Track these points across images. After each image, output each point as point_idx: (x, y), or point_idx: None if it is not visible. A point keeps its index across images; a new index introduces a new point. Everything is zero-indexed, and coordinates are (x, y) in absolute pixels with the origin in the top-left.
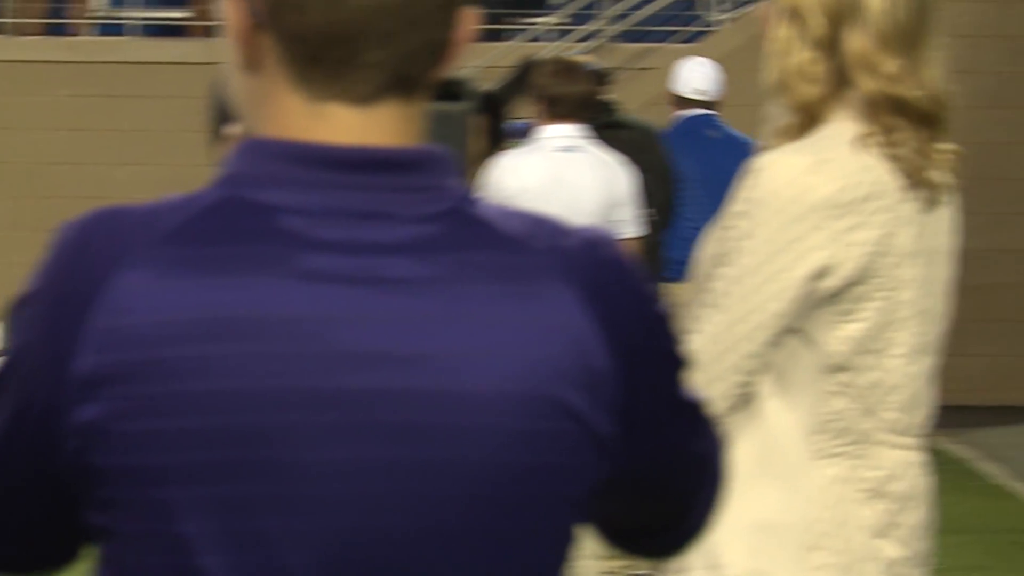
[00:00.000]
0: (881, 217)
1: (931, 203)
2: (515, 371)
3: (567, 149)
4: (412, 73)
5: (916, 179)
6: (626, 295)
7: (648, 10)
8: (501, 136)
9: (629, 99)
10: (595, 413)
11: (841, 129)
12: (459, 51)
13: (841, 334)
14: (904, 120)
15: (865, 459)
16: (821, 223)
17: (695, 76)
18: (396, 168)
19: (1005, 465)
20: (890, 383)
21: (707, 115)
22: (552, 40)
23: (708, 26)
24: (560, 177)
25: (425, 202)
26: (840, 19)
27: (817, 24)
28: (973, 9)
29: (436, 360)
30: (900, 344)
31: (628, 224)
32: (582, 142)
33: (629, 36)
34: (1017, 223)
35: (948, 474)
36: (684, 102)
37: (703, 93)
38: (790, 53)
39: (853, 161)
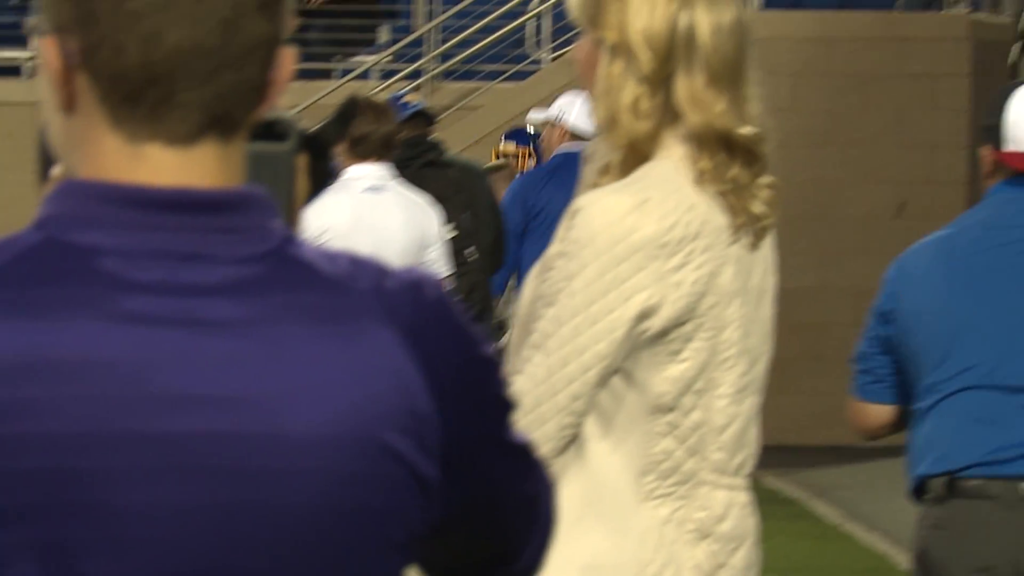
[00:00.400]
0: (705, 256)
1: (755, 241)
2: (336, 413)
3: (373, 189)
4: (230, 113)
5: (741, 216)
6: (449, 337)
7: (474, 49)
8: (327, 176)
9: (455, 138)
10: (418, 455)
11: (664, 167)
12: (279, 91)
13: (666, 374)
14: (729, 156)
15: (692, 500)
16: (645, 263)
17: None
18: (215, 209)
19: (837, 505)
20: (715, 423)
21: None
22: (379, 79)
23: (534, 65)
24: (365, 218)
25: (245, 243)
26: (670, 55)
27: (647, 60)
28: (798, 47)
29: (256, 402)
30: (725, 384)
31: (438, 264)
32: (389, 182)
33: (455, 75)
34: (846, 261)
35: (780, 514)
36: (573, 137)
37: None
38: (620, 89)
39: (677, 200)
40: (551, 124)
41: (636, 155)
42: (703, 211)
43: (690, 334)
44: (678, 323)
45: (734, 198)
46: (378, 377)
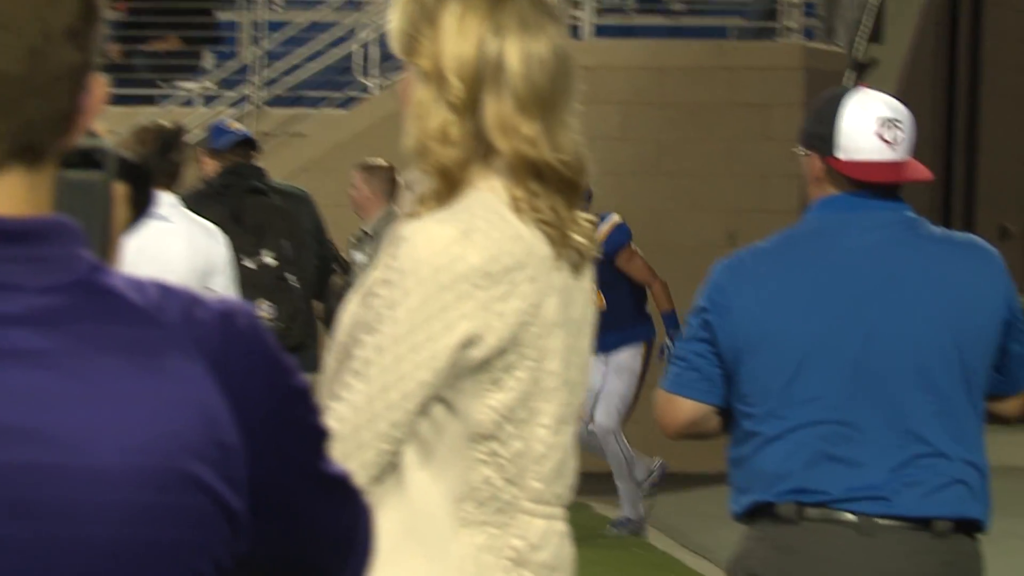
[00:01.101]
0: (530, 287)
1: (576, 272)
2: (139, 445)
3: (157, 218)
4: (37, 142)
5: (562, 246)
6: (258, 368)
7: (300, 75)
8: (147, 205)
9: (280, 165)
10: (225, 488)
11: (487, 196)
12: (89, 119)
13: (488, 403)
14: (544, 185)
15: (510, 528)
16: (470, 292)
17: None
18: (20, 238)
19: (667, 533)
20: (536, 453)
21: None
22: (203, 104)
23: (362, 92)
24: (145, 247)
25: (50, 273)
26: (479, 81)
27: (455, 86)
28: (630, 76)
29: (57, 435)
30: (546, 414)
31: (226, 292)
32: (173, 210)
33: (281, 101)
34: (678, 291)
35: (611, 542)
36: None
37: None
38: (429, 116)
39: (502, 229)
40: None
41: (449, 183)
42: (528, 241)
43: (513, 364)
44: (501, 353)
45: (553, 228)
46: (183, 409)
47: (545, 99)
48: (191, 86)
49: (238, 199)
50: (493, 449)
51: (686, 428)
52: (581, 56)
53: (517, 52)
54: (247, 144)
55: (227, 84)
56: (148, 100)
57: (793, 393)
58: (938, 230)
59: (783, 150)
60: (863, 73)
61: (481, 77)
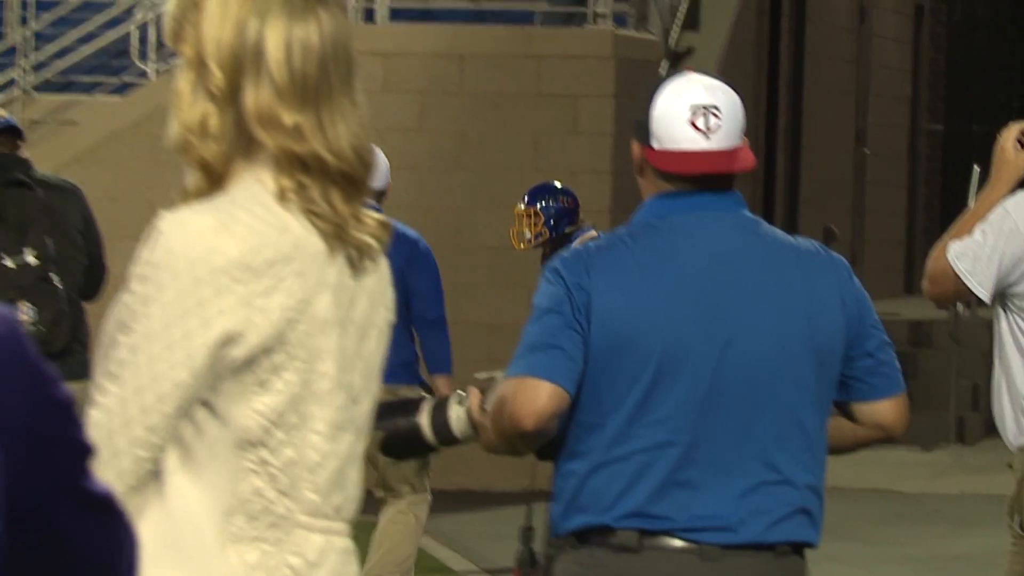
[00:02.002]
0: (297, 282)
1: (357, 269)
2: None
3: None
4: None
5: (339, 242)
6: (15, 378)
7: (72, 58)
8: None
9: (49, 155)
10: None
11: (252, 187)
12: None
13: (254, 407)
14: (314, 178)
15: (285, 544)
16: (228, 287)
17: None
18: None
19: (464, 553)
20: (310, 461)
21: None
22: None
23: (139, 78)
24: None
25: None
26: (239, 70)
27: (215, 74)
28: (427, 64)
29: None
30: (319, 420)
31: None
32: None
33: (51, 87)
34: (478, 293)
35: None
36: None
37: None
38: (189, 107)
39: (267, 221)
40: None
41: (211, 178)
42: (296, 234)
43: (280, 364)
44: (266, 352)
45: (327, 222)
46: None
47: (310, 88)
48: None
49: None
50: (263, 457)
51: (550, 420)
52: (375, 41)
53: (277, 37)
54: (11, 133)
55: None
56: None
57: (646, 411)
58: (781, 233)
59: (593, 144)
60: (678, 63)
61: (241, 64)
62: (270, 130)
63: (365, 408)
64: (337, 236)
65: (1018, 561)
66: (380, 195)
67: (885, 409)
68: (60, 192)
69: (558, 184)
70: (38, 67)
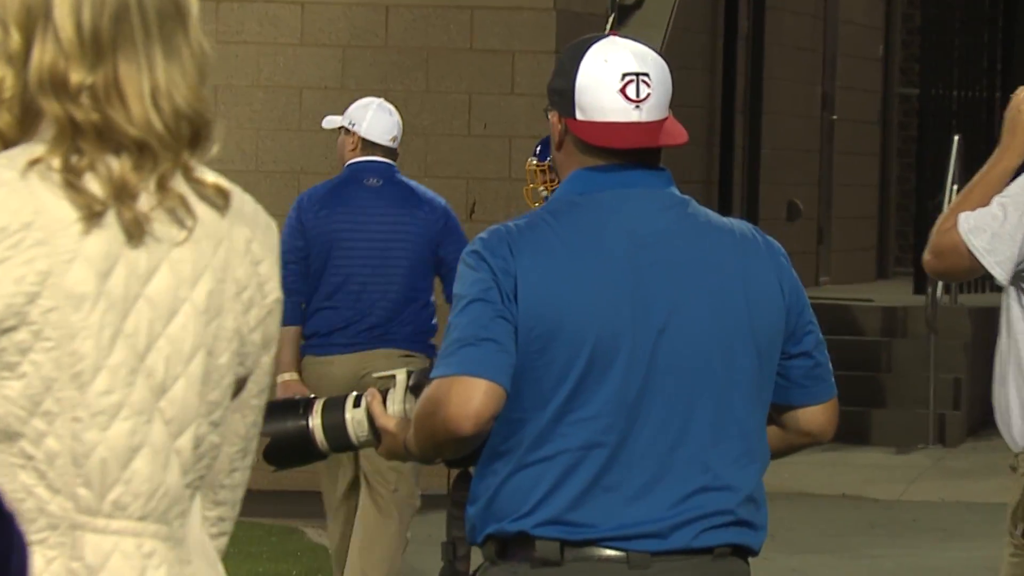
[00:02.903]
0: (38, 251)
1: (151, 239)
2: None
3: None
4: None
5: (100, 211)
6: None
7: None
8: None
9: None
10: None
11: (16, 154)
12: None
13: (3, 394)
14: (92, 146)
15: (67, 548)
16: None
17: (383, 120)
18: None
19: None
20: (75, 453)
21: (376, 162)
22: None
23: None
24: None
25: None
26: (31, 28)
27: (12, 36)
28: (349, 15)
29: None
30: (83, 406)
31: None
32: None
33: None
34: None
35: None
36: (366, 147)
37: (394, 140)
38: None
39: (3, 190)
40: (344, 131)
41: (6, 147)
42: (44, 202)
43: (26, 344)
44: (5, 330)
45: (94, 191)
46: None
47: (102, 45)
48: None
49: None
50: (24, 450)
51: (488, 421)
52: None
53: None
54: None
55: None
56: None
57: (574, 407)
58: (714, 215)
59: (532, 106)
60: (627, 17)
61: (32, 22)
62: (52, 94)
63: (179, 394)
64: (99, 205)
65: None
66: (389, 152)
67: (816, 414)
68: None
69: None
70: None
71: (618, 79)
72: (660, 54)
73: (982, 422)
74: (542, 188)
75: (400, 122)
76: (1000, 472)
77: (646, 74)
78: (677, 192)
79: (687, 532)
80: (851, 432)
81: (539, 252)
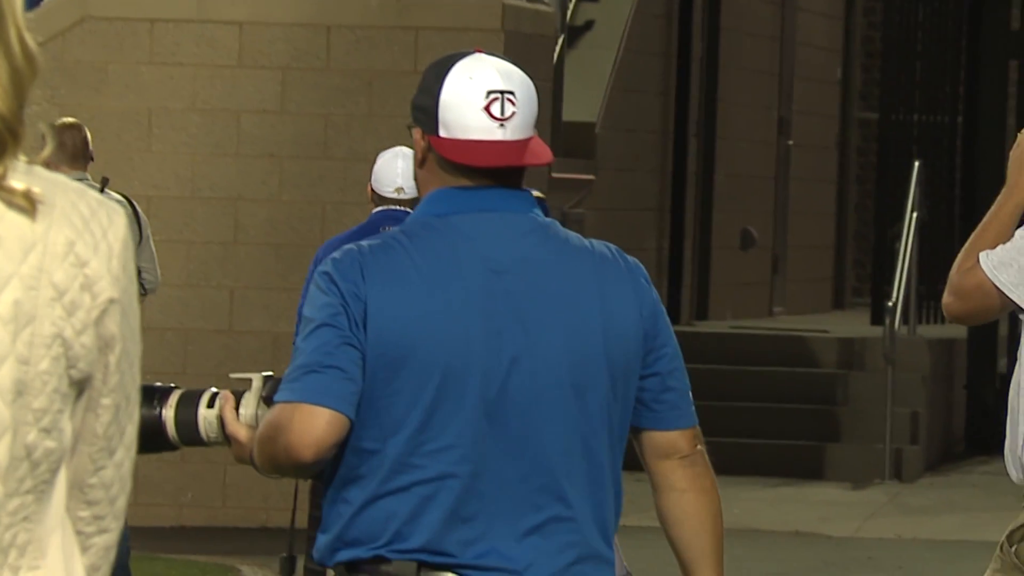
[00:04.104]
0: None
1: None
2: None
3: None
4: None
5: None
6: None
7: None
8: None
9: None
10: None
11: None
12: None
13: None
14: None
15: None
16: None
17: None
18: None
19: None
20: None
21: (398, 211)
22: None
23: None
24: None
25: None
26: None
27: None
28: (290, 36)
29: None
30: None
31: None
32: None
33: None
34: None
35: None
36: (380, 200)
37: (400, 191)
38: None
39: None
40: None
41: None
42: None
43: None
44: None
45: None
46: None
47: None
48: None
49: None
50: None
51: (329, 450)
52: (228, 9)
53: None
54: None
55: None
56: None
57: (427, 438)
58: (575, 237)
59: None
60: (576, 38)
61: None
62: None
63: None
64: None
65: None
66: (411, 202)
67: (678, 439)
68: None
69: None
70: None
71: (483, 96)
72: (611, 74)
73: (940, 457)
74: None
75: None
76: (958, 509)
77: (511, 92)
78: (540, 215)
79: (543, 568)
80: (805, 467)
81: (391, 277)
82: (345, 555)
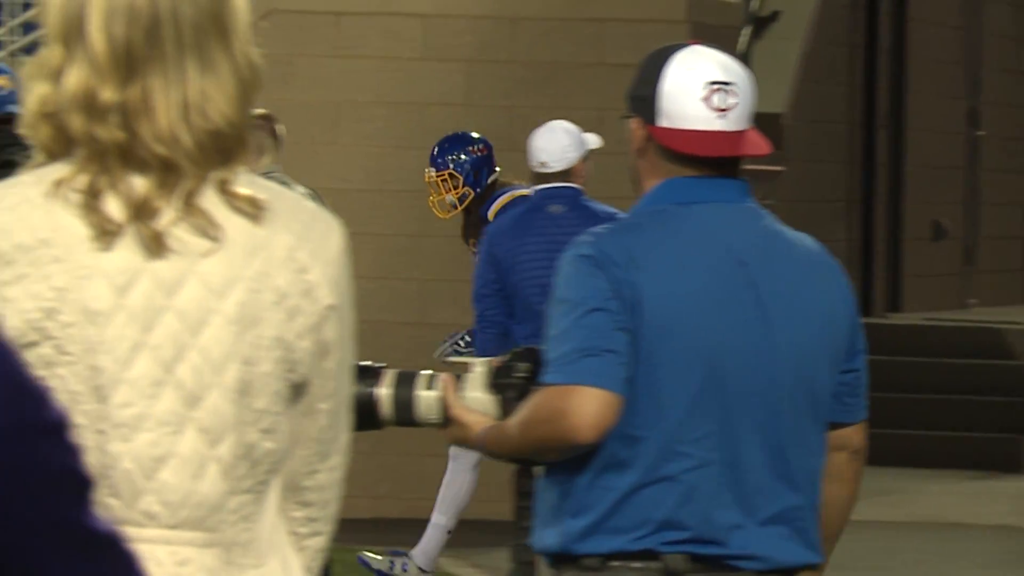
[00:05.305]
0: (55, 268)
1: (159, 254)
2: None
3: None
4: None
5: (114, 231)
6: None
7: None
8: None
9: None
10: None
11: (45, 172)
12: None
13: None
14: (119, 163)
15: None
16: None
17: (539, 147)
18: None
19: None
20: (103, 464)
21: (555, 188)
22: None
23: None
24: None
25: None
26: (67, 42)
27: (53, 49)
28: (474, 28)
29: None
30: (105, 419)
31: None
32: None
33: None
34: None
35: None
36: (540, 176)
37: (543, 165)
38: (33, 86)
39: (25, 207)
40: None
41: (55, 160)
42: (59, 219)
43: (50, 358)
44: (28, 345)
45: (108, 210)
46: None
47: (135, 58)
48: None
49: None
50: None
51: (608, 432)
52: (413, 2)
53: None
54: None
55: None
56: None
57: (693, 425)
58: (787, 229)
59: None
60: (762, 29)
61: (68, 36)
62: (79, 112)
63: (212, 404)
64: (134, 223)
65: None
66: (561, 175)
67: (854, 433)
68: None
69: (462, 133)
70: (27, 29)
71: (703, 87)
72: (799, 65)
73: None
74: (448, 195)
75: (572, 142)
76: None
77: (731, 83)
78: (755, 205)
79: (785, 555)
80: (1001, 460)
81: (658, 262)
82: (606, 545)
